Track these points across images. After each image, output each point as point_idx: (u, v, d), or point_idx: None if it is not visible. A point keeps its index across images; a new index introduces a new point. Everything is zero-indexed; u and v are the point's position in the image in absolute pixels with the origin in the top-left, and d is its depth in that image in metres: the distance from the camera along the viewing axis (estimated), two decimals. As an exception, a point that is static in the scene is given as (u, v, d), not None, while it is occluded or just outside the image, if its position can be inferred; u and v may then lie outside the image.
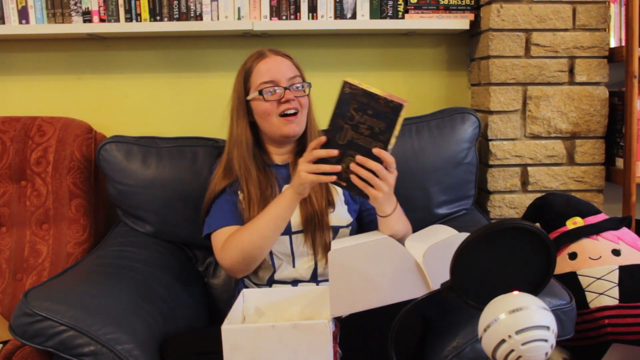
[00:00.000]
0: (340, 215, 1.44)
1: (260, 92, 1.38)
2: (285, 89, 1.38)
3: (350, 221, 1.45)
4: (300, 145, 1.49)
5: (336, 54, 1.95)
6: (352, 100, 1.17)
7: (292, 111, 1.39)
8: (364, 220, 1.50)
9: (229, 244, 1.32)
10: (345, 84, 1.18)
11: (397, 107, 1.13)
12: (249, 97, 1.42)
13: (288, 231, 1.39)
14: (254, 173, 1.41)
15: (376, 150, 1.14)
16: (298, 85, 1.42)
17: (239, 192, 1.42)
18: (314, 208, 1.39)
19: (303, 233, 1.40)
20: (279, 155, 1.49)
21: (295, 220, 1.39)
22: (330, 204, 1.43)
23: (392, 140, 1.15)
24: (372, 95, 1.15)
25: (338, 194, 1.47)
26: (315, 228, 1.39)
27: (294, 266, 1.41)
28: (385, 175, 1.15)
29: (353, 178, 1.16)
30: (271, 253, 1.40)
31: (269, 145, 1.48)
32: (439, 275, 1.00)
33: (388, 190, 1.17)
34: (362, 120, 1.16)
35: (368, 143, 1.16)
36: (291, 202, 1.28)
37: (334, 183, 1.21)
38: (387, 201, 1.22)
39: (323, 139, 1.19)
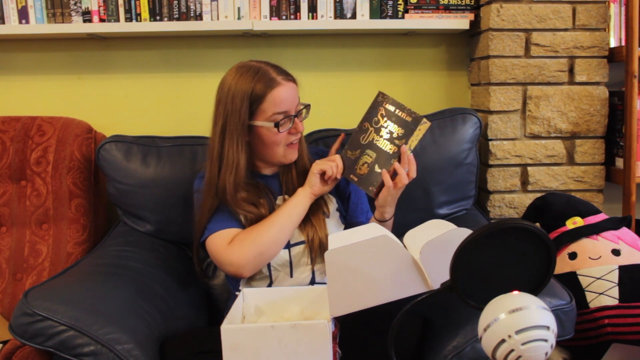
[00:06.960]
0: (334, 222, 1.45)
1: (276, 125, 1.34)
2: (294, 116, 1.37)
3: (342, 227, 1.48)
4: None
5: (336, 54, 1.95)
6: (380, 107, 1.38)
7: (296, 140, 1.41)
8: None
9: (242, 240, 1.33)
10: (379, 94, 1.40)
11: (417, 119, 1.35)
12: (257, 123, 1.35)
13: (287, 244, 1.39)
14: (245, 195, 1.38)
15: (404, 155, 1.35)
16: (302, 110, 1.41)
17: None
18: (311, 218, 1.40)
19: (302, 245, 1.40)
20: (267, 168, 1.48)
21: (295, 232, 1.40)
22: (325, 213, 1.44)
23: (410, 147, 1.36)
24: (400, 104, 1.36)
25: (332, 201, 1.48)
26: (314, 237, 1.39)
27: (291, 276, 1.40)
28: (405, 179, 1.35)
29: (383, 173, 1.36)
30: (269, 265, 1.38)
31: (259, 161, 1.46)
32: (437, 271, 1.00)
33: (401, 187, 1.36)
34: (385, 125, 1.37)
35: (385, 145, 1.37)
36: (303, 197, 1.37)
37: (347, 178, 1.40)
38: (392, 204, 1.40)
39: (341, 135, 1.46)
